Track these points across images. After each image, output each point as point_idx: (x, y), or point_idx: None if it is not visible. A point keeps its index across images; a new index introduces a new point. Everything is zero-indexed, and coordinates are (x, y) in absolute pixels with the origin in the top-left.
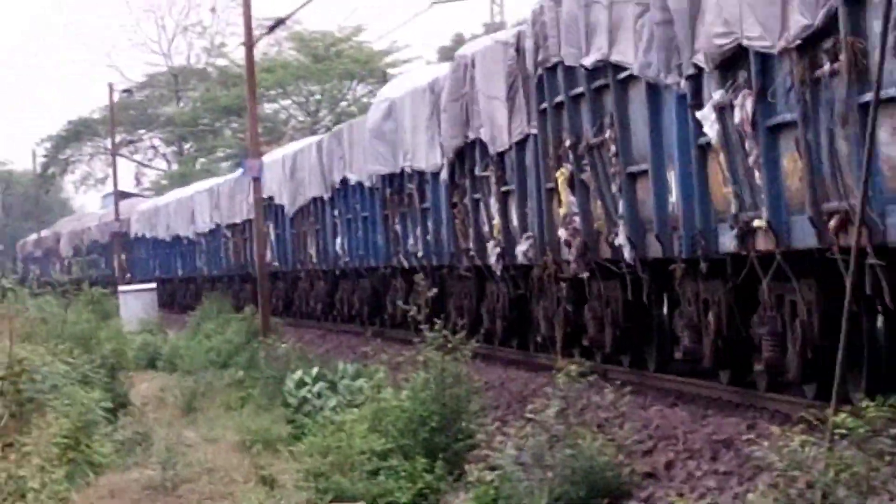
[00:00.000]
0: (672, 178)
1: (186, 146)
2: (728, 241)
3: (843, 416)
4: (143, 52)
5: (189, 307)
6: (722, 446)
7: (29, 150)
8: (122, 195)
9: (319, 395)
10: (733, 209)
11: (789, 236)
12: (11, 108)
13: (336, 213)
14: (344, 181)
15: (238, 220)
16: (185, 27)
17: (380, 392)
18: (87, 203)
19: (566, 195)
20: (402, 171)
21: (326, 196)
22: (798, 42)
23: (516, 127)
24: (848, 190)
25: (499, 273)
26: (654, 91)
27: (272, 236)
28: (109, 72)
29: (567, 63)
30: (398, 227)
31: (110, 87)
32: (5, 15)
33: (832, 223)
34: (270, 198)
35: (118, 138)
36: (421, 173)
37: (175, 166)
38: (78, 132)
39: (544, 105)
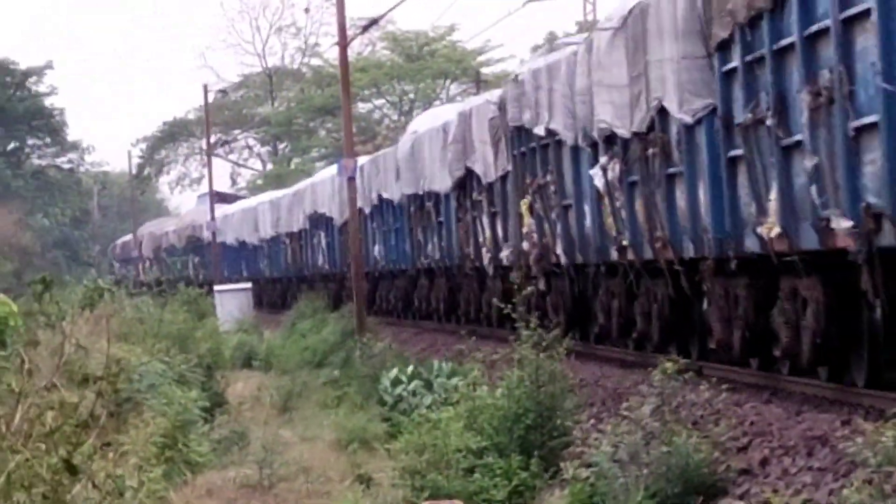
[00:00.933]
0: (587, 210)
1: (281, 146)
2: (613, 253)
3: None
4: (238, 52)
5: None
6: (817, 442)
7: (125, 151)
8: (217, 195)
9: (415, 394)
10: (614, 233)
11: (641, 252)
12: (108, 109)
13: (374, 225)
14: (380, 199)
15: (295, 229)
16: (280, 28)
17: (475, 390)
18: (182, 203)
19: (528, 218)
20: (423, 191)
21: (367, 211)
22: (638, 133)
23: (500, 165)
24: (662, 226)
25: (490, 272)
26: (576, 151)
27: (323, 244)
28: (204, 72)
29: (526, 126)
30: (420, 237)
31: (205, 87)
32: (103, 17)
33: (657, 245)
34: (322, 213)
35: (213, 139)
36: (437, 194)
37: (270, 166)
38: (173, 133)
39: (515, 152)
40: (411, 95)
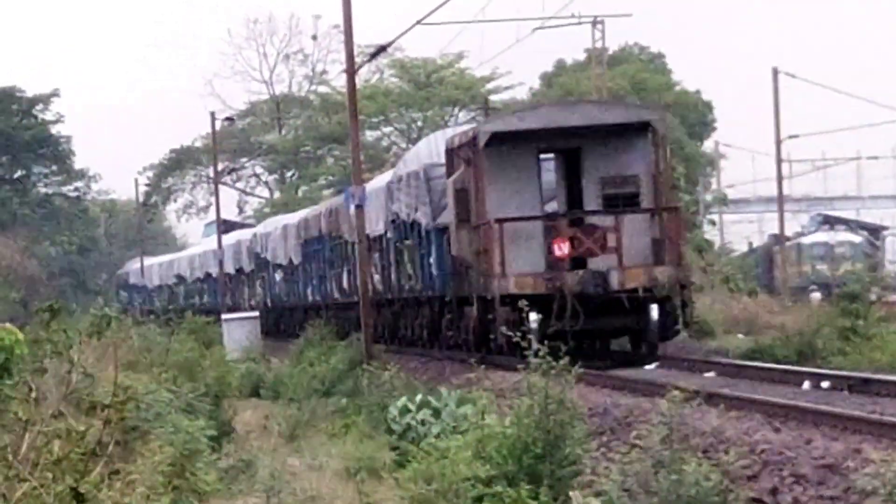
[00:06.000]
0: (278, 282)
1: (288, 174)
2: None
3: None
4: (245, 80)
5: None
6: (828, 471)
7: (132, 179)
8: (224, 223)
9: (423, 422)
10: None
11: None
12: (114, 137)
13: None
14: (207, 273)
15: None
16: (287, 55)
17: (484, 418)
18: (189, 231)
19: (258, 288)
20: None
21: (200, 277)
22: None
23: (249, 266)
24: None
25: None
26: (278, 267)
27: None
28: (212, 100)
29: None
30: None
31: (212, 115)
32: (110, 45)
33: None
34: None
35: (220, 166)
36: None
37: (277, 194)
38: (180, 161)
39: (255, 263)
40: (419, 123)
